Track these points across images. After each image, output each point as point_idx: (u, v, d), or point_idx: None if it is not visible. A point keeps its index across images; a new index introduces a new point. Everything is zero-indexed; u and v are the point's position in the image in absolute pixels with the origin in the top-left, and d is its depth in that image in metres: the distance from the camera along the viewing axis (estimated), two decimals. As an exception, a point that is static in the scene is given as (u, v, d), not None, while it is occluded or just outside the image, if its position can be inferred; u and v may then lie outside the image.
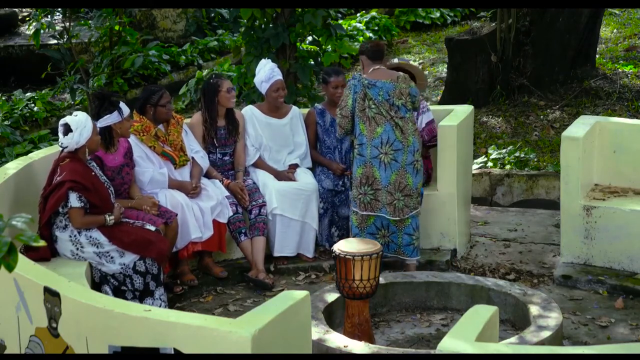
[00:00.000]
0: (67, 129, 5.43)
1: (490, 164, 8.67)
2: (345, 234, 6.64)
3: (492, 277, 6.33)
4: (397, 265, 6.56)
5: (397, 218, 6.24)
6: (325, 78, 6.90)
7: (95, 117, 5.78)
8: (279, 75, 6.81)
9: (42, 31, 10.64)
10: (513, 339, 4.96)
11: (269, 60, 6.97)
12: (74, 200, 5.41)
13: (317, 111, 6.95)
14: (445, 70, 11.53)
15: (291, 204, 6.63)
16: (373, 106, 6.15)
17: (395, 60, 6.92)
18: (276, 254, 6.68)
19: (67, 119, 5.47)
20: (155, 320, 3.87)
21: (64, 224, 5.49)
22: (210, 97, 6.67)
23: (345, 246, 5.29)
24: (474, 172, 7.98)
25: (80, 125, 5.42)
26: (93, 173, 5.55)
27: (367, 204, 6.21)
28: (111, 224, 5.53)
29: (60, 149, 5.56)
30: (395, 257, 6.37)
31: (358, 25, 13.59)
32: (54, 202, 5.41)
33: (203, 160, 6.60)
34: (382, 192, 6.18)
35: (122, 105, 5.89)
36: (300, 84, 8.62)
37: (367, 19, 13.91)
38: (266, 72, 6.80)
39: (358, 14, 14.47)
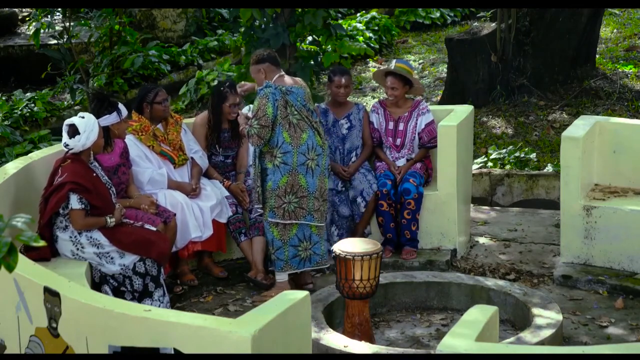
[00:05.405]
0: (74, 131, 5.41)
1: (490, 164, 8.67)
2: (345, 233, 6.63)
3: (492, 277, 6.33)
4: (397, 265, 6.57)
5: (322, 224, 6.13)
6: (330, 77, 6.89)
7: (94, 117, 5.77)
8: None
9: (42, 31, 10.65)
10: (513, 339, 4.96)
11: None
12: (75, 202, 5.41)
13: (321, 110, 6.92)
14: (445, 70, 11.53)
15: (291, 204, 6.62)
16: (295, 112, 5.96)
17: (392, 66, 6.88)
18: (276, 254, 6.68)
19: (75, 120, 5.44)
20: (155, 320, 3.88)
21: (64, 224, 5.49)
22: (216, 103, 6.66)
23: (345, 246, 5.29)
24: (474, 172, 7.98)
25: (88, 128, 5.41)
26: (94, 174, 5.54)
27: (291, 213, 5.98)
28: (112, 225, 5.52)
29: (65, 149, 5.53)
30: (318, 268, 6.23)
31: (358, 25, 13.60)
32: (55, 204, 5.40)
33: (202, 160, 6.60)
34: (309, 199, 6.01)
35: (121, 106, 5.90)
36: (300, 84, 8.61)
37: (367, 19, 13.92)
38: None
39: (358, 14, 14.47)
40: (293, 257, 6.05)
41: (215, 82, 11.16)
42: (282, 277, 6.13)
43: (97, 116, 5.75)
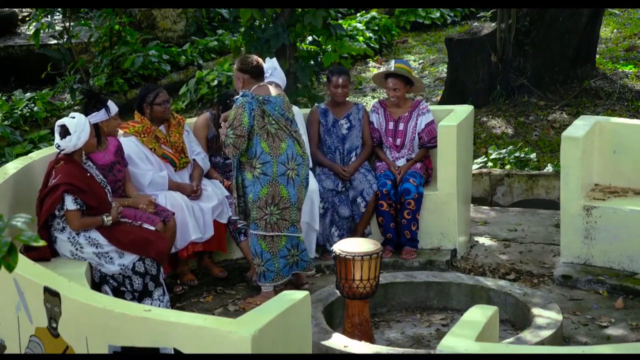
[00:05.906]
0: (65, 131, 5.40)
1: (490, 164, 8.67)
2: (345, 234, 6.63)
3: (492, 277, 6.33)
4: (397, 265, 6.57)
5: (302, 234, 6.08)
6: (328, 77, 6.90)
7: (83, 114, 5.76)
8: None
9: (42, 31, 10.66)
10: (513, 339, 4.96)
11: (274, 60, 6.83)
12: (70, 203, 5.40)
13: (320, 110, 6.93)
14: (445, 70, 11.54)
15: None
16: (273, 122, 5.83)
17: (392, 67, 6.86)
18: (276, 254, 6.67)
19: (65, 121, 5.43)
20: (155, 320, 3.88)
21: (61, 226, 5.48)
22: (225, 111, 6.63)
23: (345, 246, 5.29)
24: (474, 172, 7.98)
25: (78, 128, 5.40)
26: (88, 174, 5.53)
27: (273, 225, 5.86)
28: (109, 224, 5.51)
29: (57, 150, 5.53)
30: (301, 273, 6.15)
31: (358, 25, 13.60)
32: (50, 205, 5.39)
33: (204, 161, 6.60)
34: (291, 210, 5.90)
35: (110, 103, 5.90)
36: (300, 84, 8.62)
37: (367, 19, 13.92)
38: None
39: (358, 14, 14.47)
40: (283, 267, 5.98)
41: (216, 83, 11.17)
42: (268, 287, 6.01)
43: (86, 114, 5.74)
